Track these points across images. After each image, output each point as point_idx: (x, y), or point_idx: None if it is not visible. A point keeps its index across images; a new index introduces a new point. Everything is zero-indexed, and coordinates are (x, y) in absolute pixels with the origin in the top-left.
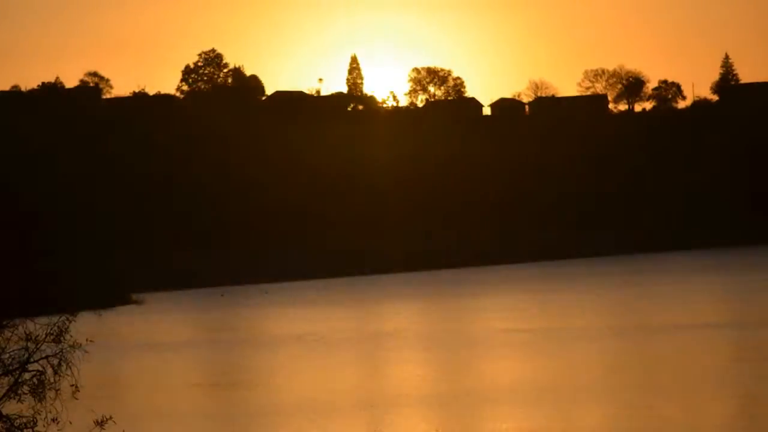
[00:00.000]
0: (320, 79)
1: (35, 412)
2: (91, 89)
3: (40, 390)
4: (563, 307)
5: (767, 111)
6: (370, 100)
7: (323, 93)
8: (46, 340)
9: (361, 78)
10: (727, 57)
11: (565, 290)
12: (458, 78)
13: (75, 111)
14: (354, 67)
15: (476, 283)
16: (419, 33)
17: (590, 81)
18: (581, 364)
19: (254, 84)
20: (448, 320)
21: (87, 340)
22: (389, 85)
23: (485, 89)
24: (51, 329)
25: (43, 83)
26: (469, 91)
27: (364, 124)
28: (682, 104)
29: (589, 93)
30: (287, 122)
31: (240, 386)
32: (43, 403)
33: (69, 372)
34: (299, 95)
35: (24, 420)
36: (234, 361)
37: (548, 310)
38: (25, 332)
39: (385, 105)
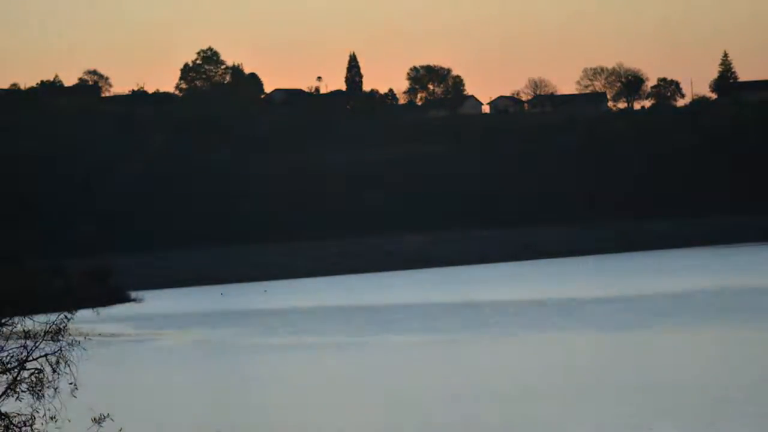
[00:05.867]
0: (319, 77)
1: (34, 410)
2: (90, 87)
3: (39, 388)
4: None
5: (765, 108)
6: (369, 99)
7: (322, 91)
8: (45, 338)
9: (360, 76)
10: (725, 55)
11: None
12: (457, 76)
13: (75, 109)
14: (353, 66)
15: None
16: (418, 31)
17: (589, 79)
18: None
19: (253, 82)
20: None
21: (85, 337)
22: (388, 83)
23: (484, 87)
24: (49, 327)
25: (42, 81)
26: (468, 89)
27: (364, 122)
28: (681, 102)
29: (588, 91)
30: (287, 120)
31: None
32: (42, 401)
33: (68, 370)
34: (298, 93)
35: (22, 418)
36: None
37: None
38: (23, 330)
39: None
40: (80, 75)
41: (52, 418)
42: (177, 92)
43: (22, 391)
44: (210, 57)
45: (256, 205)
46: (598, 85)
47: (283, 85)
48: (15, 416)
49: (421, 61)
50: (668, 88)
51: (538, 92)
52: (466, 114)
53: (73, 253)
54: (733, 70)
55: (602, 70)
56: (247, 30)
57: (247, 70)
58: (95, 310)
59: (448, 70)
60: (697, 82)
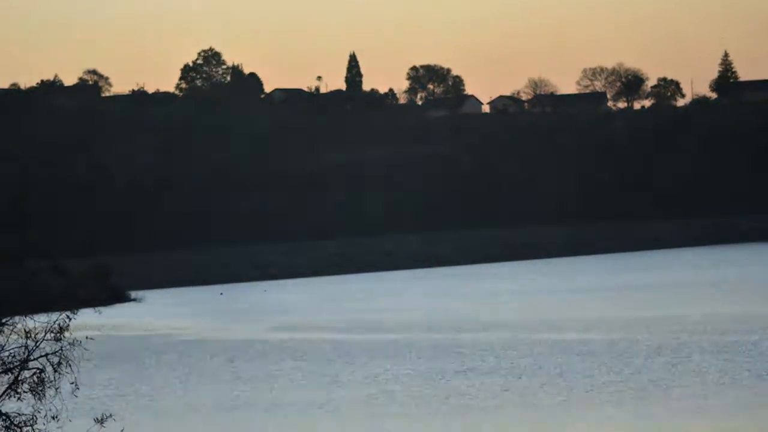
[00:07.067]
0: (319, 77)
1: (35, 411)
2: (90, 87)
3: (40, 388)
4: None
5: (765, 108)
6: (369, 98)
7: (322, 91)
8: (46, 337)
9: (360, 76)
10: (725, 55)
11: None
12: (457, 76)
13: (74, 109)
14: (353, 65)
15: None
16: (418, 31)
17: (589, 79)
18: None
19: (253, 82)
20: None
21: (87, 337)
22: (388, 83)
23: (484, 87)
24: (51, 327)
25: (42, 81)
26: (468, 89)
27: (364, 121)
28: (681, 102)
29: (588, 91)
30: (287, 120)
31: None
32: (43, 401)
33: (69, 370)
34: (298, 93)
35: (24, 418)
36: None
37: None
38: (24, 330)
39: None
40: (80, 75)
41: (53, 418)
42: (177, 92)
43: (24, 391)
44: (211, 57)
45: (256, 205)
46: (598, 85)
47: (283, 85)
48: (16, 416)
49: (421, 61)
50: (668, 88)
51: (538, 92)
52: (466, 114)
53: (73, 253)
54: (733, 70)
55: (602, 70)
56: (247, 30)
57: (247, 70)
58: (97, 309)
59: (448, 70)
60: (697, 82)
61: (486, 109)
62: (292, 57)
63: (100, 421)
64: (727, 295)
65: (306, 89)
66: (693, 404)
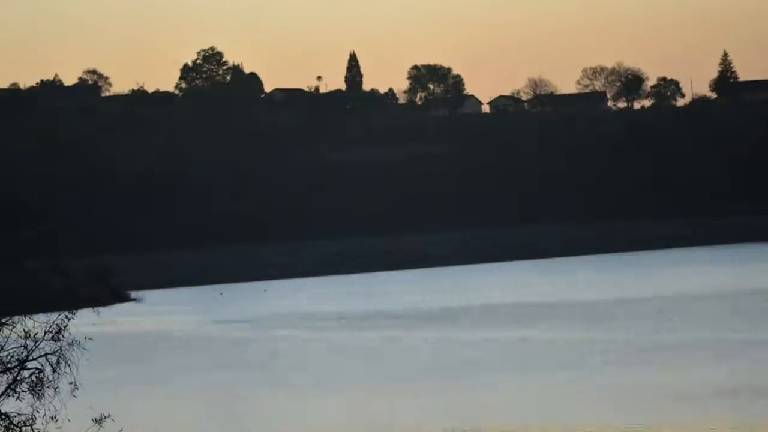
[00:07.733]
0: (319, 77)
1: (34, 410)
2: (90, 87)
3: (39, 388)
4: None
5: (765, 108)
6: (369, 98)
7: (322, 91)
8: (45, 337)
9: (360, 76)
10: (725, 55)
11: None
12: (457, 75)
13: (74, 109)
14: (353, 65)
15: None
16: (418, 31)
17: (589, 78)
18: None
19: (253, 82)
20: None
21: (86, 337)
22: (388, 83)
23: (484, 87)
24: (50, 327)
25: (41, 81)
26: (468, 89)
27: (364, 121)
28: (681, 102)
29: (588, 91)
30: (287, 120)
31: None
32: (42, 401)
33: (68, 370)
34: (298, 93)
35: (23, 418)
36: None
37: None
38: (24, 330)
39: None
40: (80, 75)
41: (52, 418)
42: (177, 92)
43: (23, 391)
44: (212, 56)
45: (256, 205)
46: (598, 85)
47: (283, 85)
48: (15, 416)
49: (421, 61)
50: (668, 87)
51: (538, 92)
52: (466, 114)
53: (73, 253)
54: (733, 70)
55: (602, 69)
56: (247, 30)
57: (247, 70)
58: (95, 309)
59: (448, 70)
60: (697, 82)
61: (486, 109)
62: (292, 57)
63: (99, 421)
64: None
65: (306, 89)
66: None
